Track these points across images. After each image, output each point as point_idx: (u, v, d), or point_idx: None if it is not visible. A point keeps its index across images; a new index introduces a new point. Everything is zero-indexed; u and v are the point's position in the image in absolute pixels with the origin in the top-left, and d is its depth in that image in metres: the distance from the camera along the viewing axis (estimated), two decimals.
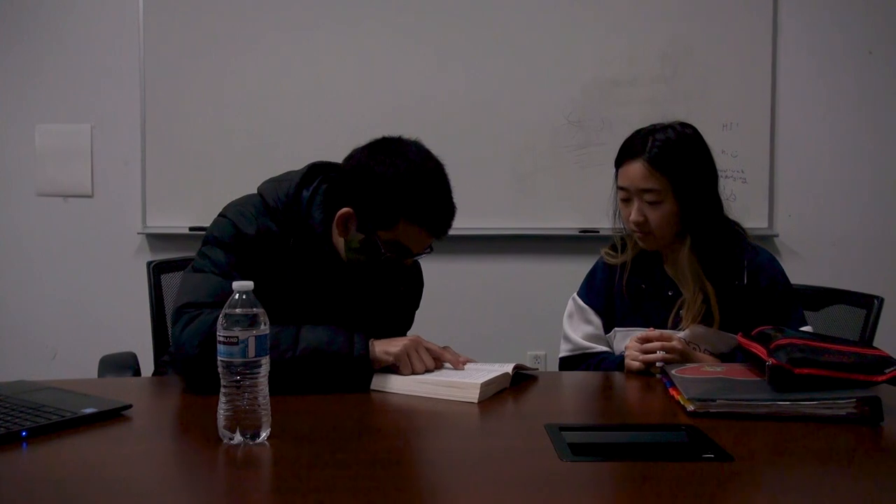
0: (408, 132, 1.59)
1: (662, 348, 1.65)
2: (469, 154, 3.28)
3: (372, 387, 1.48)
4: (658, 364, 1.64)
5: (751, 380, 1.44)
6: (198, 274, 1.54)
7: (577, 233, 3.25)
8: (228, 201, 1.65)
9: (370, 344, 1.50)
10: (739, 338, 1.60)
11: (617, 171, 1.79)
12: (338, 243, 1.58)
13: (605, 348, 1.86)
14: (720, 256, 1.77)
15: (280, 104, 3.31)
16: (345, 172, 1.56)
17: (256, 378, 1.14)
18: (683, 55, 3.30)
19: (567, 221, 3.28)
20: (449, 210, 1.54)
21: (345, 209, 1.53)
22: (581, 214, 3.25)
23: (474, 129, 3.32)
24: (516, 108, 3.32)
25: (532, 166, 3.34)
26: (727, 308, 1.75)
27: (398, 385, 1.47)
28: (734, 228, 1.83)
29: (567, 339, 1.89)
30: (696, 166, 1.74)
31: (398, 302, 1.74)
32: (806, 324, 1.78)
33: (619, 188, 1.78)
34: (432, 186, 1.52)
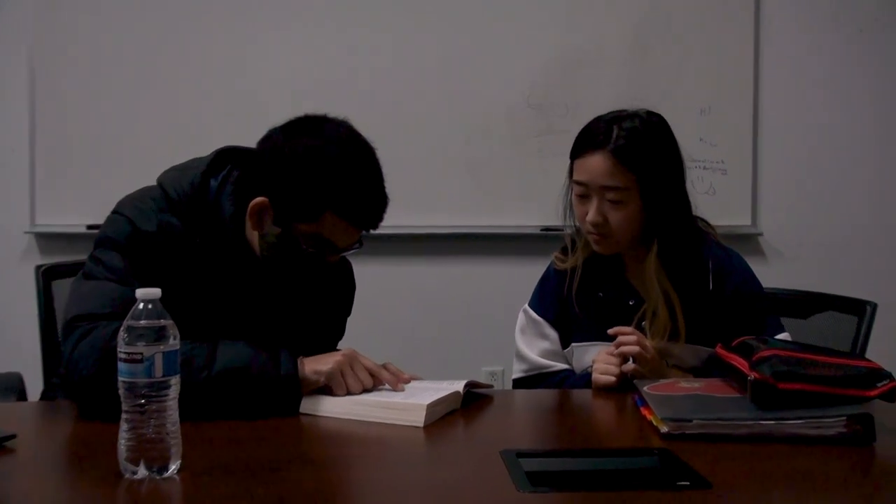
0: (335, 111, 1.58)
1: (639, 347, 1.67)
2: (411, 138, 3.30)
3: (301, 410, 1.47)
4: (628, 374, 1.67)
5: (731, 397, 1.46)
6: (90, 281, 1.51)
7: (537, 231, 3.32)
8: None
9: (299, 362, 1.50)
10: (719, 350, 1.62)
11: (573, 162, 1.79)
12: (252, 239, 1.57)
13: (564, 366, 1.87)
14: (687, 262, 1.79)
15: (193, 86, 3.29)
16: (259, 157, 1.55)
17: (164, 401, 1.12)
18: (658, 31, 3.36)
19: (526, 218, 3.33)
20: (379, 199, 1.54)
21: (259, 199, 1.52)
22: (542, 210, 3.20)
23: (417, 110, 3.34)
24: (468, 88, 3.34)
25: (486, 154, 3.36)
26: (693, 319, 1.77)
27: (331, 408, 1.46)
28: (700, 228, 1.86)
29: (521, 357, 1.90)
30: (664, 161, 1.75)
31: (326, 307, 1.74)
32: (782, 331, 1.81)
33: (576, 183, 1.78)
34: (360, 172, 1.51)
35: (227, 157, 1.63)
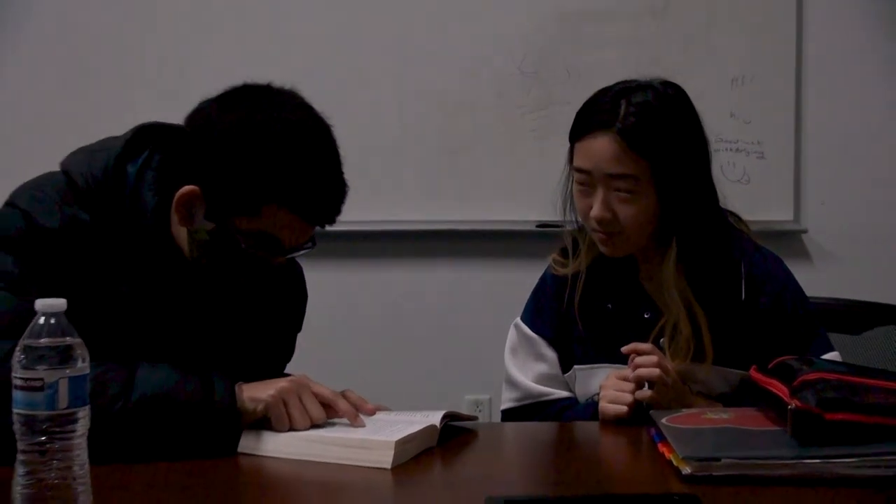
0: (280, 80, 1.58)
1: (659, 370, 1.67)
2: (376, 113, 3.30)
3: (240, 449, 1.46)
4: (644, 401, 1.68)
5: (767, 430, 1.47)
6: None
7: (532, 228, 3.31)
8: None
9: (236, 389, 1.50)
10: (753, 373, 1.63)
11: (573, 145, 1.80)
12: (179, 236, 1.56)
13: (565, 393, 1.88)
14: (714, 266, 1.81)
15: (118, 47, 3.29)
16: (187, 136, 1.55)
17: (71, 439, 1.11)
18: None
19: (517, 212, 3.34)
20: (335, 188, 1.54)
21: (187, 188, 1.51)
22: (538, 202, 3.19)
23: (383, 78, 3.33)
24: (445, 51, 3.34)
25: (469, 135, 3.36)
26: (722, 335, 1.79)
27: (278, 446, 1.46)
28: (730, 224, 1.88)
29: (512, 383, 1.91)
30: (684, 143, 1.76)
31: (271, 321, 1.74)
32: (831, 349, 1.83)
33: (577, 170, 1.79)
34: (312, 154, 1.51)
35: (149, 136, 1.62)
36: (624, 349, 1.74)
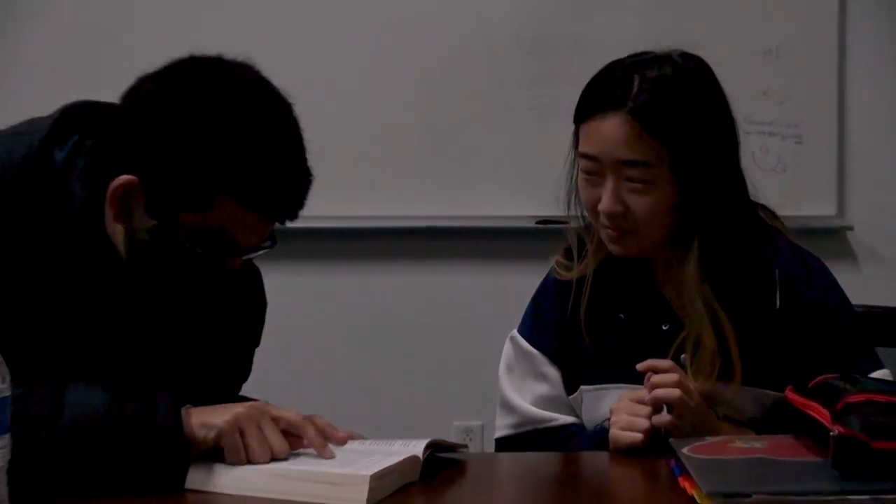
0: (235, 52, 1.56)
1: (680, 391, 1.67)
2: (349, 91, 3.31)
3: (188, 485, 1.44)
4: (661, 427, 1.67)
5: (805, 460, 1.46)
6: None
7: (531, 224, 3.34)
8: None
9: (183, 413, 1.48)
10: (789, 394, 1.62)
11: (578, 128, 1.80)
12: (114, 234, 1.55)
13: (570, 419, 1.88)
14: (742, 269, 1.80)
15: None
16: (124, 119, 1.53)
17: None
18: None
19: (515, 206, 3.36)
20: (298, 178, 1.54)
21: (124, 178, 1.48)
22: (538, 195, 3.20)
23: (357, 53, 3.34)
24: (432, 19, 3.35)
25: (457, 117, 3.37)
26: (753, 350, 1.78)
27: (233, 482, 1.45)
28: (762, 220, 1.88)
29: (508, 407, 1.91)
30: (708, 125, 1.76)
31: (224, 334, 1.73)
32: (880, 367, 1.83)
33: (582, 156, 1.79)
34: (270, 139, 1.50)
35: (79, 117, 1.60)
36: (639, 367, 1.73)
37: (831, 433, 1.40)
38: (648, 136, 1.71)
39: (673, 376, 1.69)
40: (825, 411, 1.45)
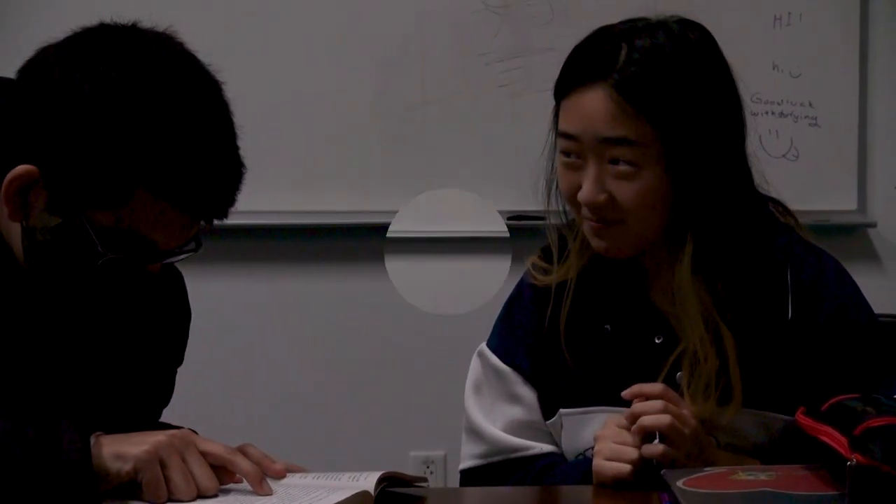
0: (157, 21, 1.54)
1: (671, 417, 1.65)
2: (288, 64, 3.33)
3: None
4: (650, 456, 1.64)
5: (818, 494, 1.46)
6: None
7: (504, 220, 3.36)
8: None
9: (93, 441, 1.44)
10: (800, 417, 1.60)
11: (559, 104, 1.78)
12: (10, 234, 1.53)
13: (548, 447, 1.86)
14: (747, 272, 1.80)
15: None
16: (21, 99, 1.51)
17: None
18: None
19: (483, 199, 3.34)
20: (228, 170, 1.52)
21: (21, 168, 1.46)
22: (512, 186, 3.18)
23: (302, 22, 3.37)
24: None
25: (416, 95, 3.36)
26: (758, 367, 1.78)
27: None
28: (771, 215, 1.87)
29: (475, 433, 1.89)
30: (707, 103, 1.74)
31: (141, 351, 1.71)
32: None
33: (562, 135, 1.76)
34: (194, 124, 1.48)
35: None
36: (625, 393, 1.69)
37: (848, 462, 1.38)
38: (635, 112, 1.68)
39: (656, 403, 1.66)
40: (842, 437, 1.43)
